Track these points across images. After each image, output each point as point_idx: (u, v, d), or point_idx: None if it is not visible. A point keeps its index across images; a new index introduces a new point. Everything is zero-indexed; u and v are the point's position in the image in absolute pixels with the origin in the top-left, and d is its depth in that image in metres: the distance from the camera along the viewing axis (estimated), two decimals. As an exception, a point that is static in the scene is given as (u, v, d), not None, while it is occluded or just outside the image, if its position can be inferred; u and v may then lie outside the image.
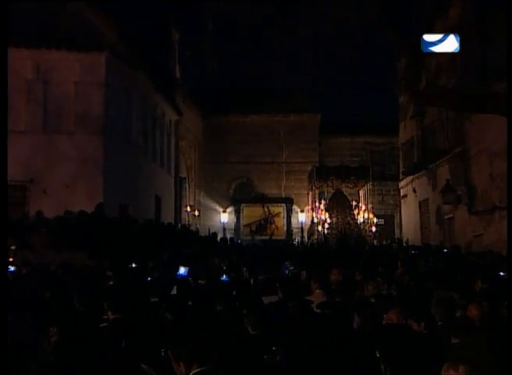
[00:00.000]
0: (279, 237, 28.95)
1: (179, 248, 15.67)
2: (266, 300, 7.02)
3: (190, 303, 7.06)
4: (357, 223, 26.26)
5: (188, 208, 28.01)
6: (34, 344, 4.68)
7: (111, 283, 9.25)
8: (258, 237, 28.43)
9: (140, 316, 6.07)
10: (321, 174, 26.50)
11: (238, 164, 31.77)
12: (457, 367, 2.23)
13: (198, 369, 3.38)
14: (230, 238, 22.95)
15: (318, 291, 8.44)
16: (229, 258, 14.70)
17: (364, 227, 26.05)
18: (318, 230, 25.79)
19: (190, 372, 3.40)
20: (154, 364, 4.11)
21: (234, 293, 7.96)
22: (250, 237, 29.27)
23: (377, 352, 3.46)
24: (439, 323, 5.50)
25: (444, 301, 5.72)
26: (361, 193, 27.39)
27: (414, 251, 18.84)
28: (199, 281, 10.21)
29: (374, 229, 26.10)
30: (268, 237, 28.02)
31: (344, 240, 22.90)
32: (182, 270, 11.00)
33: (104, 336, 5.48)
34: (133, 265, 12.45)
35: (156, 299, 7.37)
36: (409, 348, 3.34)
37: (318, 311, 6.30)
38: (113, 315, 6.00)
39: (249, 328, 5.49)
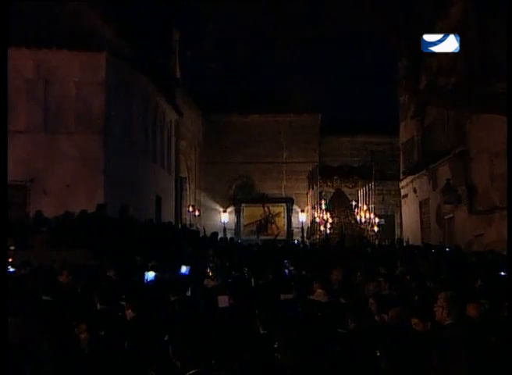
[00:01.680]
0: (280, 237, 28.92)
1: (180, 248, 15.68)
2: (283, 297, 7.17)
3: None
4: (357, 222, 26.27)
5: (189, 209, 28.02)
6: (33, 345, 4.68)
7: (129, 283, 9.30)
8: (262, 237, 28.44)
9: (157, 315, 6.15)
10: (324, 174, 26.50)
11: (238, 164, 31.76)
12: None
13: (192, 371, 3.44)
14: (230, 238, 22.94)
15: (319, 290, 8.46)
16: (229, 259, 14.70)
17: (366, 227, 26.05)
18: (319, 230, 25.79)
19: (186, 372, 3.45)
20: (163, 362, 4.15)
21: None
22: (250, 237, 29.23)
23: (377, 351, 3.47)
24: (449, 322, 5.37)
25: (456, 299, 5.61)
26: (360, 193, 27.39)
27: (415, 251, 18.83)
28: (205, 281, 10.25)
29: (376, 229, 26.08)
30: (268, 237, 27.98)
31: (343, 240, 22.93)
32: (183, 269, 11.02)
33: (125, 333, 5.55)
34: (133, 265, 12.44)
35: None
36: (409, 347, 3.34)
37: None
38: (133, 313, 6.08)
39: (260, 327, 5.52)
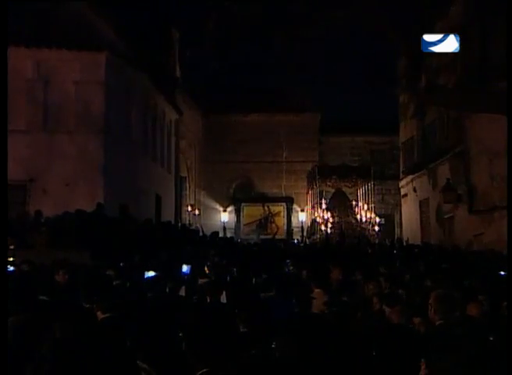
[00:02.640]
0: (280, 237, 28.95)
1: (179, 247, 15.67)
2: (263, 296, 7.18)
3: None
4: (358, 222, 26.23)
5: (189, 208, 28.03)
6: (33, 345, 4.67)
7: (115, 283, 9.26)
8: (262, 237, 28.45)
9: (134, 315, 6.07)
10: (324, 173, 26.50)
11: (238, 163, 31.76)
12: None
13: (204, 370, 3.43)
14: (230, 237, 22.94)
15: (317, 290, 8.45)
16: (227, 257, 14.70)
17: (367, 227, 26.01)
18: (320, 230, 25.75)
19: (197, 372, 3.45)
20: (151, 363, 4.13)
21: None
22: (250, 236, 29.25)
23: (374, 351, 3.47)
24: (440, 322, 5.41)
25: (445, 298, 5.63)
26: (359, 192, 27.36)
27: (415, 251, 18.84)
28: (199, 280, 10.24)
29: (377, 228, 26.04)
30: (268, 236, 28.00)
31: (342, 239, 22.92)
32: (184, 268, 11.07)
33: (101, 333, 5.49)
34: (132, 264, 12.43)
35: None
36: (407, 347, 3.34)
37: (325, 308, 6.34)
38: (103, 314, 5.98)
39: (240, 326, 5.50)
